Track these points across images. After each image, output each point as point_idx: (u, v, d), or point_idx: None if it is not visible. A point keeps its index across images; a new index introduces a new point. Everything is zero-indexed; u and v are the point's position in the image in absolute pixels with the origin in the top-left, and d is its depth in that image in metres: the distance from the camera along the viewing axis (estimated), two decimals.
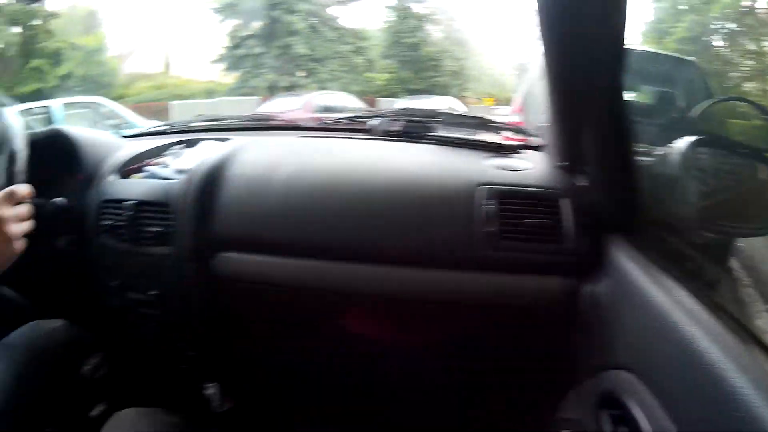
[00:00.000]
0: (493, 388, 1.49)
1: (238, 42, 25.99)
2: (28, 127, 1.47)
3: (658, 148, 1.30)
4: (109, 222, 1.55)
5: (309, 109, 12.55)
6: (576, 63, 1.03)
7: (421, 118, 1.67)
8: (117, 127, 9.53)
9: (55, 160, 1.68)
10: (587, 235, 1.20)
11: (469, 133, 1.60)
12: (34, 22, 21.59)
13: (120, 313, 1.63)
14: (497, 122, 1.70)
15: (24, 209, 1.22)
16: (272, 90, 23.64)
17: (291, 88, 23.30)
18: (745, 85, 14.56)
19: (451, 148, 1.54)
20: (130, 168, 1.68)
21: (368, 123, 1.71)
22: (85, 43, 23.55)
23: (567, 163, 1.29)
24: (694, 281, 0.95)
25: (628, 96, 1.04)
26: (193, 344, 1.57)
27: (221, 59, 26.87)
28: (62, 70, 21.51)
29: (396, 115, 1.72)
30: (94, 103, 12.07)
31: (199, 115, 2.22)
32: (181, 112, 19.38)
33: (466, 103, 23.63)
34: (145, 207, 1.49)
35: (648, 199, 1.13)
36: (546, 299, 1.23)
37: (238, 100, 22.09)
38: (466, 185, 1.30)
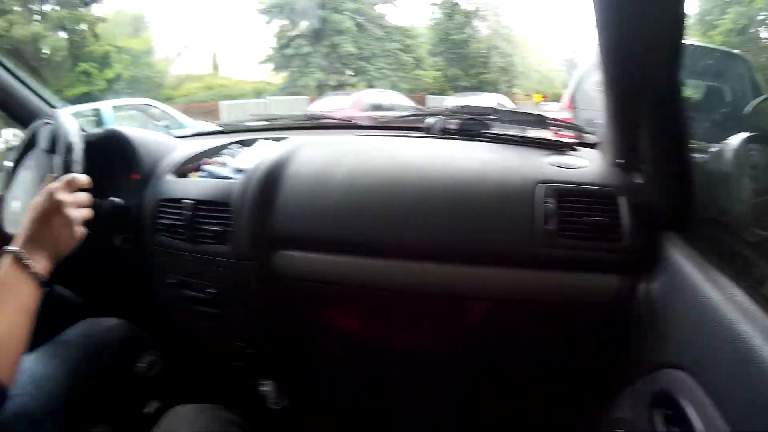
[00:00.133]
0: (546, 387, 1.49)
1: (285, 42, 26.28)
2: (80, 128, 1.50)
3: (711, 144, 1.29)
4: (167, 221, 1.58)
5: (358, 108, 12.62)
6: (633, 61, 1.03)
7: (477, 116, 1.66)
8: (167, 127, 9.69)
9: (111, 160, 1.72)
10: (643, 233, 1.19)
11: (525, 131, 1.61)
12: (81, 27, 22.13)
13: (176, 310, 1.67)
14: (553, 119, 1.68)
15: (83, 196, 1.25)
16: (321, 89, 23.87)
17: (339, 87, 23.55)
18: None
19: (508, 145, 1.54)
20: (187, 168, 1.71)
21: (425, 121, 1.71)
22: (132, 46, 24.08)
23: (623, 161, 1.28)
24: (748, 279, 0.95)
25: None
26: (250, 342, 1.59)
27: (269, 59, 27.31)
28: (110, 73, 22.01)
29: (452, 113, 1.72)
30: (144, 104, 12.27)
31: (253, 115, 2.25)
32: (230, 112, 19.72)
33: (515, 100, 23.60)
34: (203, 206, 1.51)
35: (702, 196, 1.12)
36: (603, 297, 1.23)
37: (287, 100, 22.39)
38: (526, 183, 1.30)
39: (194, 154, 1.76)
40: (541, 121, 1.63)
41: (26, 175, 1.57)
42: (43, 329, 1.11)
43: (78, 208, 1.23)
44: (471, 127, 1.64)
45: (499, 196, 1.30)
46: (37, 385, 1.20)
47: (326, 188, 1.42)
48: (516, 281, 1.28)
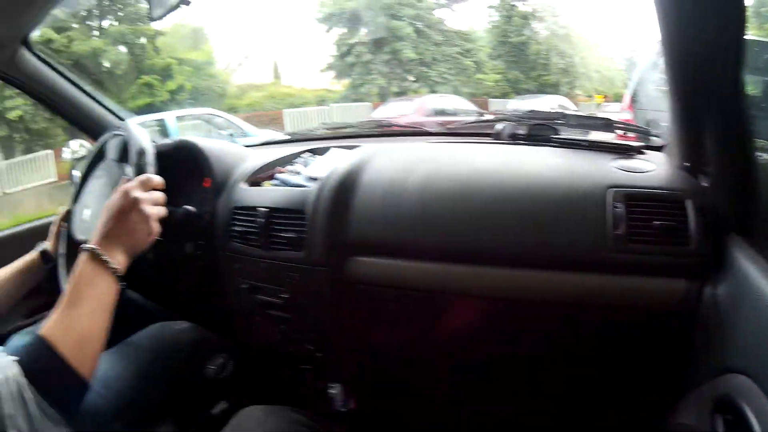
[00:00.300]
0: (609, 392, 1.49)
1: (346, 50, 26.41)
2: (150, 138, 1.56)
3: None
4: (241, 228, 1.64)
5: (421, 113, 12.66)
6: (695, 60, 1.02)
7: (545, 121, 1.68)
8: (231, 136, 9.87)
9: (182, 169, 1.78)
10: (710, 236, 1.18)
11: (592, 134, 1.62)
12: (141, 41, 22.74)
13: (247, 315, 1.72)
14: (619, 122, 1.68)
15: (157, 195, 1.30)
16: (383, 95, 23.88)
17: (401, 93, 23.53)
18: None
19: (575, 150, 1.55)
20: (260, 176, 1.77)
21: (495, 127, 1.73)
22: (194, 57, 24.55)
23: (689, 164, 1.28)
24: None
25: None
26: (320, 345, 1.63)
27: (330, 67, 27.48)
28: (172, 84, 22.50)
29: (521, 118, 1.73)
30: (208, 114, 12.52)
31: (324, 124, 2.29)
32: (294, 120, 19.90)
33: (576, 101, 23.28)
34: (278, 213, 1.56)
35: (766, 198, 1.11)
36: (670, 301, 1.22)
37: (350, 107, 22.46)
38: (596, 188, 1.31)
39: (266, 163, 1.81)
40: (607, 125, 1.64)
41: (96, 185, 1.62)
42: (114, 332, 1.15)
43: (153, 205, 1.27)
44: (539, 132, 1.65)
45: (571, 202, 1.31)
46: (105, 384, 1.24)
47: (400, 195, 1.45)
48: (586, 286, 1.28)
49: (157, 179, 1.30)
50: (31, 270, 1.60)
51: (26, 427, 0.92)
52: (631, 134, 1.68)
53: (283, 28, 41.89)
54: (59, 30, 19.76)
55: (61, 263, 1.55)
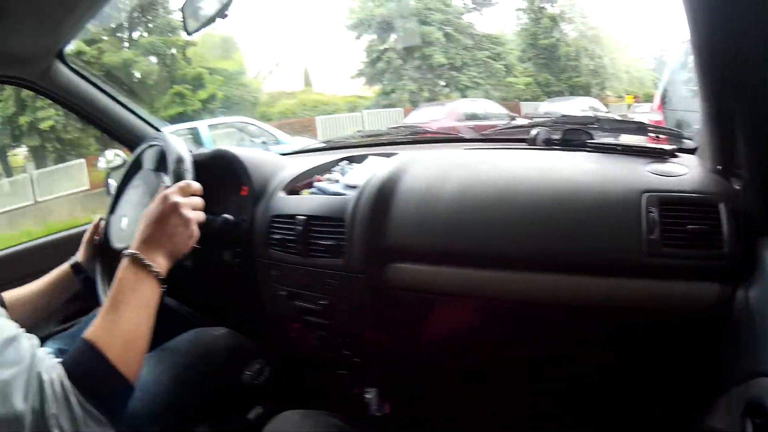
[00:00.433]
0: (639, 396, 1.49)
1: (376, 56, 26.48)
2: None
3: None
4: (279, 236, 1.67)
5: (453, 117, 12.64)
6: (726, 65, 1.02)
7: (578, 126, 1.68)
8: (264, 143, 9.94)
9: (219, 178, 1.83)
10: (742, 240, 1.18)
11: (625, 138, 1.64)
12: (171, 52, 23.07)
13: (285, 321, 1.75)
14: (652, 126, 1.69)
15: (197, 200, 1.33)
16: (414, 101, 23.88)
17: (432, 98, 23.48)
18: None
19: (610, 154, 1.55)
20: (298, 185, 1.80)
21: (530, 133, 1.74)
22: (224, 66, 24.78)
23: (721, 167, 1.28)
24: None
25: None
26: (357, 351, 1.65)
27: (361, 74, 27.59)
28: (204, 93, 22.71)
29: (554, 123, 1.74)
30: (241, 122, 12.61)
31: (359, 132, 2.32)
32: (326, 126, 20.03)
33: (606, 102, 23.06)
34: (316, 221, 1.59)
35: None
36: (702, 305, 1.22)
37: (381, 113, 22.56)
38: (631, 193, 1.32)
39: (303, 171, 1.84)
40: (640, 128, 1.64)
41: (134, 194, 1.66)
42: (151, 337, 1.18)
43: (193, 210, 1.30)
44: (573, 137, 1.66)
45: (606, 207, 1.32)
46: (142, 387, 1.25)
47: (437, 202, 1.47)
48: (620, 290, 1.29)
49: (196, 185, 1.34)
50: (64, 281, 1.64)
51: (69, 427, 0.95)
52: (663, 137, 1.68)
53: (313, 35, 42.08)
54: (90, 42, 20.12)
55: (99, 271, 1.61)
